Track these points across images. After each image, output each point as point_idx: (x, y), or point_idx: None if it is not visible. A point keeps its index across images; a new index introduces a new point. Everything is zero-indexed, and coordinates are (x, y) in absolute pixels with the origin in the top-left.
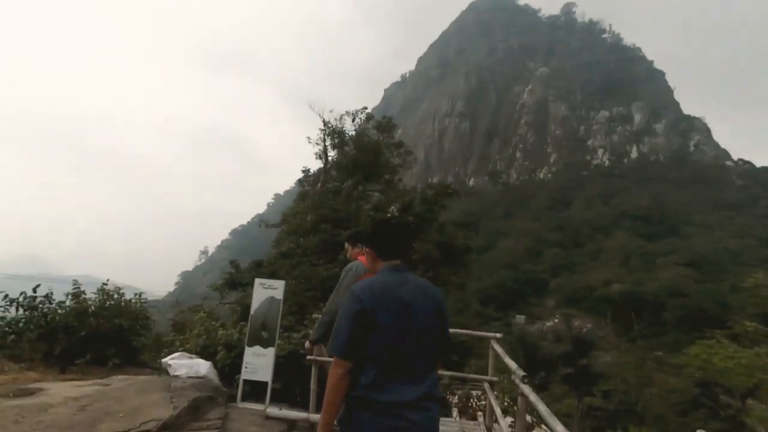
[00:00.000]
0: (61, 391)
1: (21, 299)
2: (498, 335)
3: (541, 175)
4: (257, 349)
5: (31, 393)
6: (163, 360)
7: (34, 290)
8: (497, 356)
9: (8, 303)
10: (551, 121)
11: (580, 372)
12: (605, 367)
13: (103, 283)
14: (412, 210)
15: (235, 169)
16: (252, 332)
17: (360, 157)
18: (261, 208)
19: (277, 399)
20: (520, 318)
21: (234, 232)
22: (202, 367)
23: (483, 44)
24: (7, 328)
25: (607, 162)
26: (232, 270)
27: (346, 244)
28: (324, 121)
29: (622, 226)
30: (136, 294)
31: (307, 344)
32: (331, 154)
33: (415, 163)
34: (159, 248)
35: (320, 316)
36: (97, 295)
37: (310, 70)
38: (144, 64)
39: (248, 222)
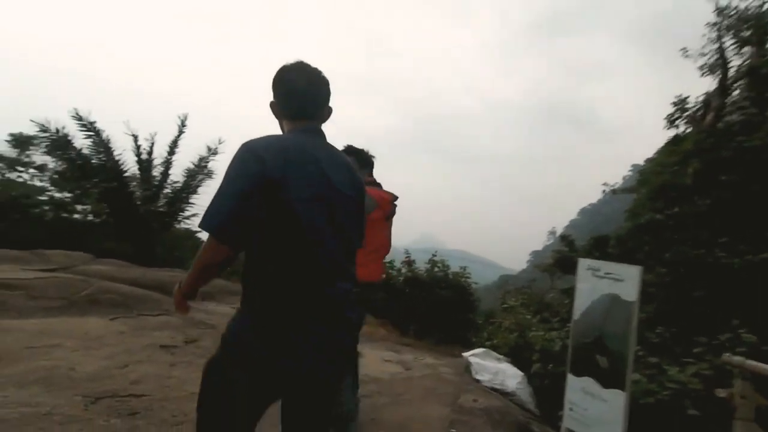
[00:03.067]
0: (368, 364)
1: None
2: None
3: None
4: (589, 383)
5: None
6: (464, 354)
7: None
8: None
9: None
10: None
11: None
12: None
13: (433, 254)
14: None
15: (577, 141)
16: (578, 352)
17: None
18: (612, 183)
19: None
20: None
21: (583, 212)
22: (510, 378)
23: None
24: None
25: None
26: (564, 247)
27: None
28: (718, 8)
29: None
30: (461, 268)
31: None
32: (734, 64)
33: None
34: (512, 226)
35: None
36: (428, 266)
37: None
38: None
39: (598, 200)
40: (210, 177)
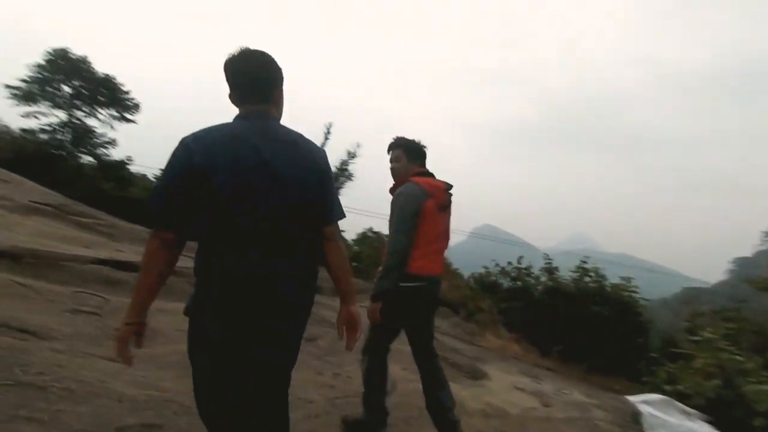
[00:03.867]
0: (494, 390)
1: (509, 268)
2: None
3: None
4: None
5: (479, 377)
6: (630, 398)
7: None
8: None
9: (500, 271)
10: None
11: None
12: None
13: (582, 260)
14: None
15: None
16: None
17: None
18: None
19: None
20: None
21: None
22: None
23: None
24: (502, 297)
25: None
26: None
27: (398, 153)
28: None
29: None
30: (623, 278)
31: (370, 308)
32: None
33: None
34: (700, 225)
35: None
36: (577, 274)
37: None
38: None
39: None
40: (350, 179)
